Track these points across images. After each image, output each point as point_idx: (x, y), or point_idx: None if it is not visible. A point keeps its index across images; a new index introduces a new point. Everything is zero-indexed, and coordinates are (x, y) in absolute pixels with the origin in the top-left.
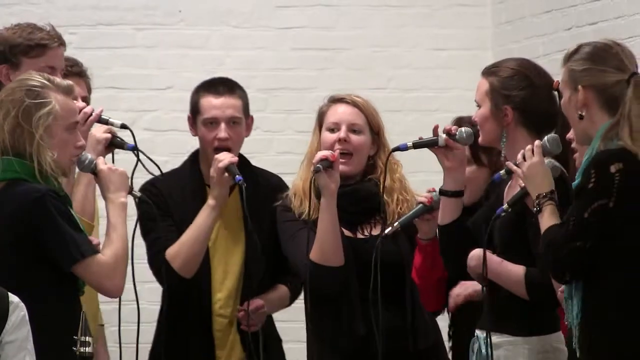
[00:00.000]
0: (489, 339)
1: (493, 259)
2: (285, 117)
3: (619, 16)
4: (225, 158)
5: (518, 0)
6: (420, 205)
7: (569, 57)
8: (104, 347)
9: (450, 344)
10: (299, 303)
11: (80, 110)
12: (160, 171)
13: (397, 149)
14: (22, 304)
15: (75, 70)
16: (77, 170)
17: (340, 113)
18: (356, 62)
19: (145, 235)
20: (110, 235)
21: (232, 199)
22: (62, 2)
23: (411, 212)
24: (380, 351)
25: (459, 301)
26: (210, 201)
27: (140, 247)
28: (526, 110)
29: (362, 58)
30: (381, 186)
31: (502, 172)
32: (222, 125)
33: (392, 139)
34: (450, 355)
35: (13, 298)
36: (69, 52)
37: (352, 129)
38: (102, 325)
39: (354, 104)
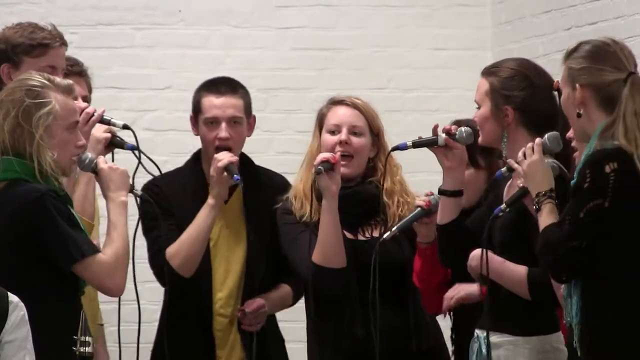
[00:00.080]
0: (488, 339)
1: (495, 259)
2: (285, 117)
3: (619, 16)
4: (224, 157)
5: (518, 0)
6: (419, 209)
7: (568, 55)
8: (103, 346)
9: (453, 347)
10: (300, 303)
11: (83, 111)
12: (160, 171)
13: (397, 148)
14: (21, 304)
15: (76, 70)
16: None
17: (341, 115)
18: (356, 62)
19: (146, 234)
20: (111, 234)
21: (235, 198)
22: (62, 2)
23: (409, 217)
24: (377, 351)
25: (451, 304)
26: (210, 200)
27: (140, 248)
28: (526, 111)
29: (362, 58)
30: (381, 187)
31: (504, 169)
32: (223, 124)
33: (392, 139)
34: (452, 357)
35: (13, 298)
36: (69, 52)
37: (353, 131)
38: (102, 324)
39: (355, 106)
